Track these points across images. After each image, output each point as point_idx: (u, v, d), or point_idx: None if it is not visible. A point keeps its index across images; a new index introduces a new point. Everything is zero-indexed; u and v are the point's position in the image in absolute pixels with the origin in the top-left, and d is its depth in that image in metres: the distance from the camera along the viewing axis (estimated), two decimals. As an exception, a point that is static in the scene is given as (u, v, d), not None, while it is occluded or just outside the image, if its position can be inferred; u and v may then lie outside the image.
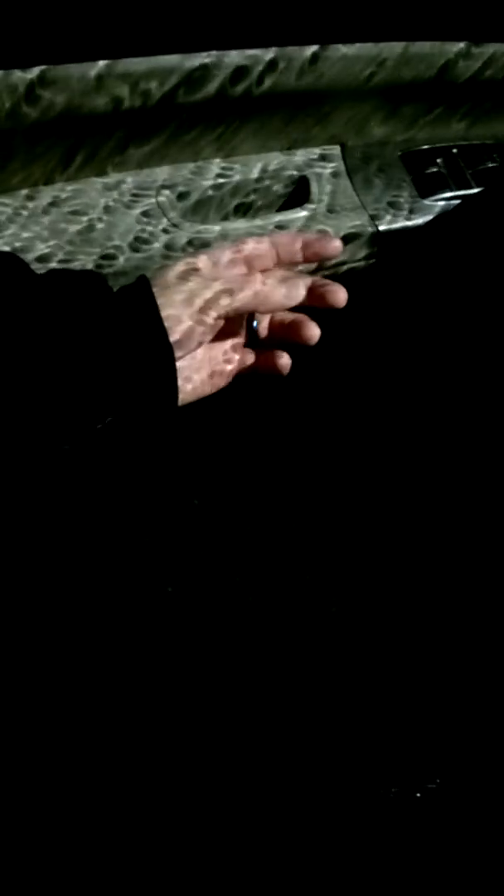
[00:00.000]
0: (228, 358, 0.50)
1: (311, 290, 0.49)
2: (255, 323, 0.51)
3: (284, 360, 0.51)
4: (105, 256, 0.62)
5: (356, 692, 0.56)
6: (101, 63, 0.56)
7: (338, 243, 0.50)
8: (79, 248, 0.62)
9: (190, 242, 0.65)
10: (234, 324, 0.50)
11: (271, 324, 0.52)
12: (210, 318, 0.45)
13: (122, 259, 0.63)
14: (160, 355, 0.43)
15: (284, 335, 0.51)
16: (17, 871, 0.44)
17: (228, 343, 0.50)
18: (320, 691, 0.55)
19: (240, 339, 0.51)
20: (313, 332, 0.49)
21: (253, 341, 0.51)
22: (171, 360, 0.43)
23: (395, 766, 0.53)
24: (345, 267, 0.73)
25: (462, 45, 0.71)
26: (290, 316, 0.51)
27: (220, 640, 0.53)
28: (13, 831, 0.46)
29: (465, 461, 0.66)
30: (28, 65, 0.54)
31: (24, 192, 0.63)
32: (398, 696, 0.56)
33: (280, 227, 0.69)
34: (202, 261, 0.46)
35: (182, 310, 0.44)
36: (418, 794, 0.52)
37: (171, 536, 0.57)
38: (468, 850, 0.51)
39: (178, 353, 0.44)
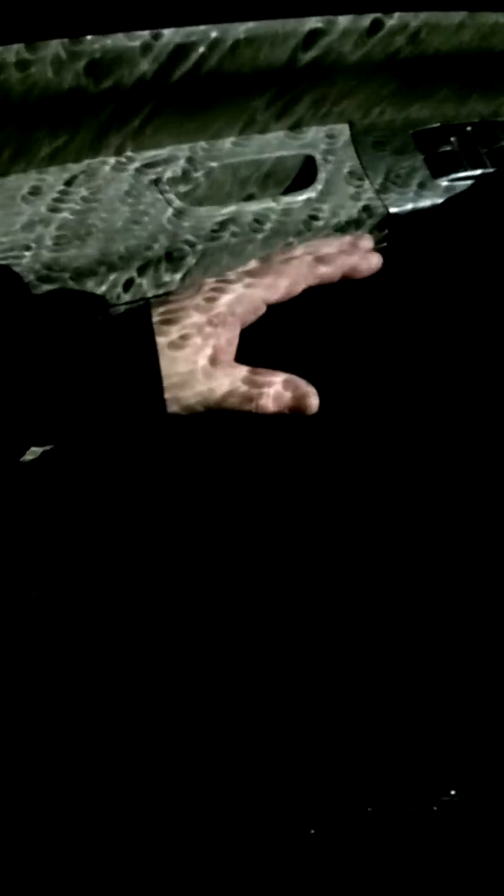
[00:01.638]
0: None
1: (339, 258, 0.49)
2: None
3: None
4: (109, 245, 0.60)
5: (362, 700, 0.53)
6: (120, 35, 0.55)
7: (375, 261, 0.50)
8: (78, 237, 0.59)
9: (194, 227, 0.63)
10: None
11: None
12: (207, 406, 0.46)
13: (129, 244, 0.60)
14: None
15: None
16: (17, 871, 0.43)
17: None
18: (325, 696, 0.52)
19: None
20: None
21: None
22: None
23: (406, 779, 0.51)
24: (354, 250, 0.71)
25: (479, 14, 0.69)
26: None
27: (219, 643, 0.51)
28: (13, 831, 0.45)
29: (477, 452, 0.64)
30: (62, 35, 0.53)
31: (56, 168, 0.62)
32: (405, 705, 0.54)
33: (286, 208, 0.66)
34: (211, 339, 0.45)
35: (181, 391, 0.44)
36: (435, 808, 0.49)
37: (167, 538, 0.55)
38: (494, 866, 0.48)
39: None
